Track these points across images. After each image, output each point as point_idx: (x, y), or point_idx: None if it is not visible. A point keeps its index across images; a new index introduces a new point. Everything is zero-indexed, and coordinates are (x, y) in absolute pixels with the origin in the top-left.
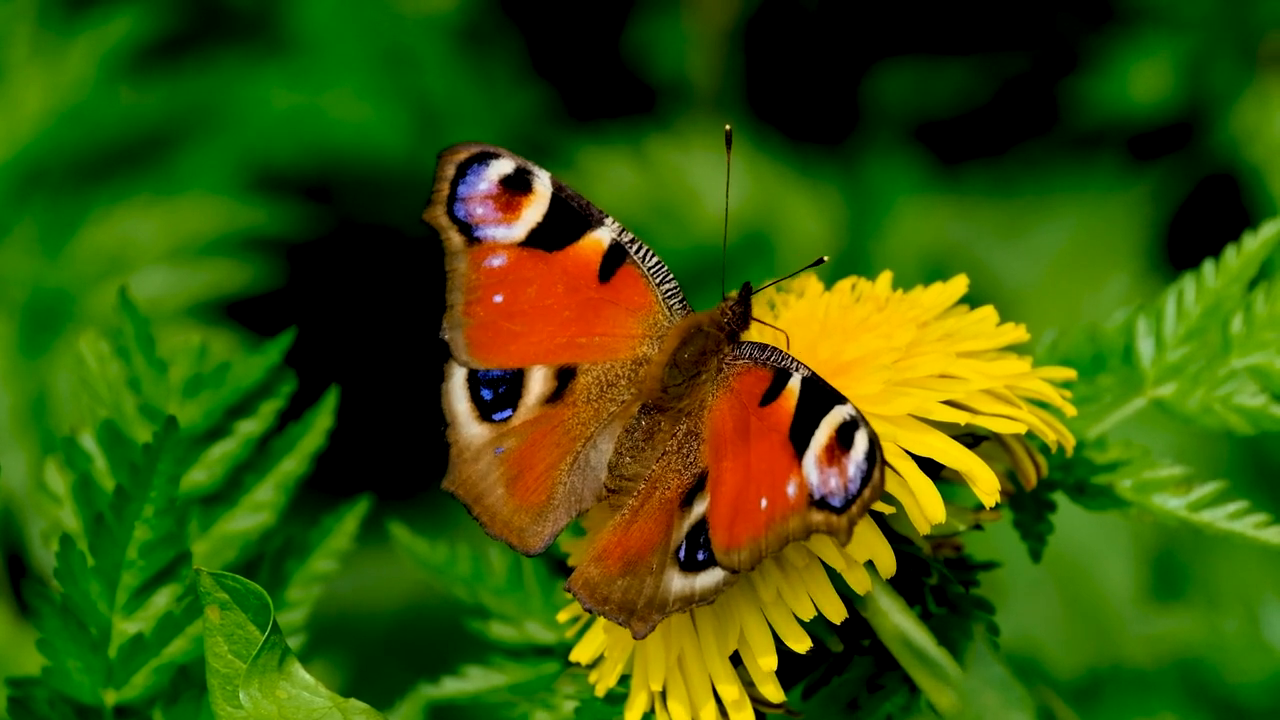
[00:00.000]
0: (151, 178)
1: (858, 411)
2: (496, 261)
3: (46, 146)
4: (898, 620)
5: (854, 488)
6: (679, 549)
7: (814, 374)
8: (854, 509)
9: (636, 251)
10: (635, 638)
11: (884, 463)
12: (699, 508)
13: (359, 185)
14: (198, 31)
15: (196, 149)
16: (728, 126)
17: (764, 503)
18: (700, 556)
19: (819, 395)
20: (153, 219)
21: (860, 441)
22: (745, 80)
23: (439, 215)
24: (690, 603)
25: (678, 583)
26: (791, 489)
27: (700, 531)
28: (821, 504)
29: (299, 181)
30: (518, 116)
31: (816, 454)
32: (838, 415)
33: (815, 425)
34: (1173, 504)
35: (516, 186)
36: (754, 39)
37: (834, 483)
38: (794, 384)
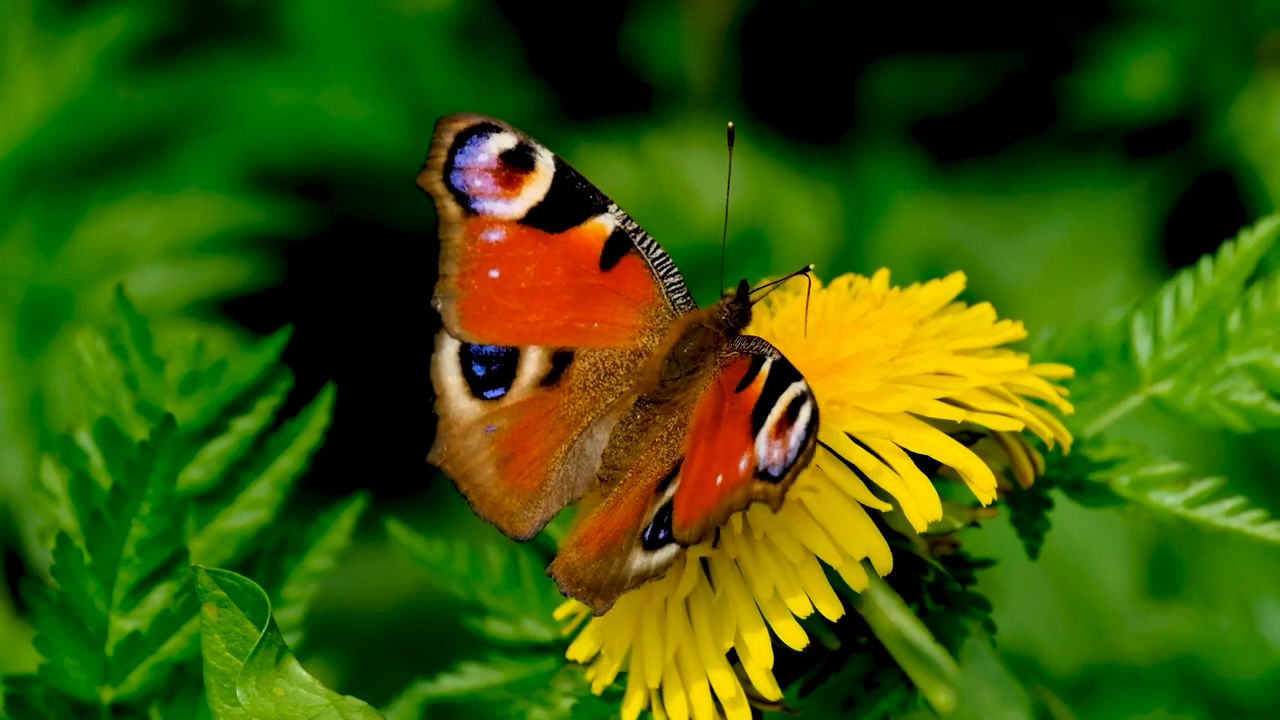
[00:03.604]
0: (148, 176)
1: (808, 388)
2: (494, 236)
3: (43, 145)
4: (894, 618)
5: (792, 457)
6: (645, 530)
7: (784, 358)
8: (788, 477)
9: (641, 241)
10: (595, 614)
11: (817, 430)
12: (670, 491)
13: (356, 183)
14: (194, 30)
15: (193, 147)
16: (730, 124)
17: (719, 479)
18: (661, 535)
19: (782, 376)
20: (150, 217)
21: (804, 414)
22: (742, 78)
23: (434, 181)
24: (645, 578)
25: (638, 561)
26: (743, 463)
27: (666, 513)
28: (764, 475)
29: (296, 179)
30: (514, 114)
31: (768, 430)
32: (790, 392)
33: (774, 404)
34: (1169, 501)
35: (518, 162)
36: (750, 37)
37: (776, 454)
38: (765, 368)
